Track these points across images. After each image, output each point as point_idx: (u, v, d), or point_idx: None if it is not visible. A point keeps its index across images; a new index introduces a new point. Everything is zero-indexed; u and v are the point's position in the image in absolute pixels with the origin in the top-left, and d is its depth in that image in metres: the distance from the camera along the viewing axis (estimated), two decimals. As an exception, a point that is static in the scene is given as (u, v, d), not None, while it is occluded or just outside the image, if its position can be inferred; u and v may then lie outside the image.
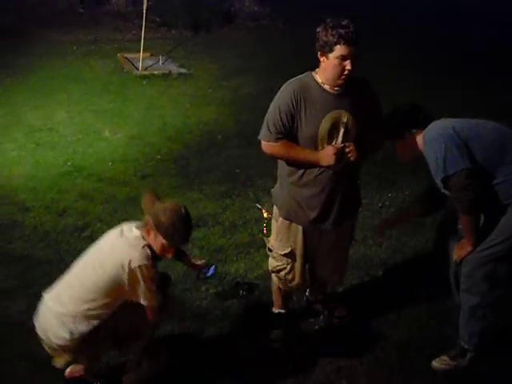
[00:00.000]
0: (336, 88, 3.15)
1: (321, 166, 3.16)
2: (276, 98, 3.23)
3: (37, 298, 4.07)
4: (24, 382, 3.48)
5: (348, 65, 3.04)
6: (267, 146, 3.24)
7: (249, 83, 8.97)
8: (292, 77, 3.30)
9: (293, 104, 3.14)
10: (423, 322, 3.88)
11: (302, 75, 3.26)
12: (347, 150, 3.14)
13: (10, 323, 3.94)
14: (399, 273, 4.39)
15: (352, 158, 3.15)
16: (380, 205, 5.35)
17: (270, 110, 3.24)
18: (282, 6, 13.30)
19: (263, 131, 3.25)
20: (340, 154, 3.12)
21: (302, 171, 3.26)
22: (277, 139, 3.16)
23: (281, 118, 3.15)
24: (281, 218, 3.43)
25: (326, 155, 3.12)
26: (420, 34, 11.33)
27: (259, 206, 4.27)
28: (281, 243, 3.48)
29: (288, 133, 3.16)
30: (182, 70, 9.59)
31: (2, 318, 3.98)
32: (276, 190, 3.48)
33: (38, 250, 4.74)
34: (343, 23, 3.03)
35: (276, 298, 3.78)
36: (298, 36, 10.43)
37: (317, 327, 3.84)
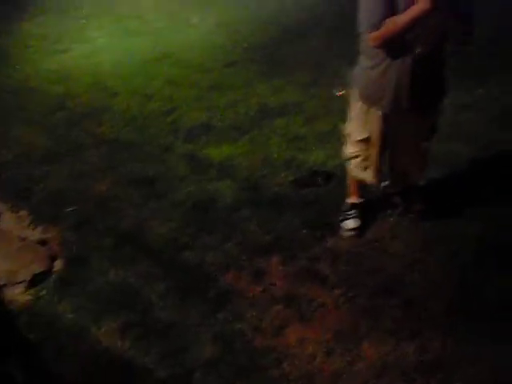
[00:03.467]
0: None
1: (425, 13, 2.86)
2: None
3: (122, 177, 4.31)
4: (109, 256, 3.68)
5: None
6: (374, 37, 3.00)
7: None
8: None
9: None
10: (501, 220, 3.72)
11: None
12: None
13: (93, 201, 4.13)
14: (483, 172, 4.17)
15: None
16: (470, 100, 5.05)
17: (364, 0, 3.02)
18: None
19: (365, 25, 3.02)
20: None
21: (383, 53, 3.09)
22: (381, 25, 2.96)
23: (379, 4, 2.94)
24: (360, 102, 3.31)
25: None
26: None
27: (336, 91, 4.11)
28: (358, 129, 3.38)
29: (388, 16, 2.94)
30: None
31: (87, 196, 4.18)
32: (356, 73, 3.33)
33: (125, 133, 4.89)
34: None
35: (352, 187, 3.74)
36: None
37: (392, 219, 3.78)
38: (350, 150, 3.50)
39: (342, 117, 3.63)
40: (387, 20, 2.94)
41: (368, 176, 3.52)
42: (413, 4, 2.90)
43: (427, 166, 3.71)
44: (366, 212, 3.77)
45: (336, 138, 4.41)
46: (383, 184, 3.79)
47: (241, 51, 6.20)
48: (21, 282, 3.49)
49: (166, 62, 6.03)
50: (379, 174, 3.53)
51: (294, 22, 6.88)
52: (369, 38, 3.06)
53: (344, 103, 3.61)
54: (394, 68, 3.11)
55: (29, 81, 5.82)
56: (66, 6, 7.66)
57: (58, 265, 3.63)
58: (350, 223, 3.71)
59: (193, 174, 4.32)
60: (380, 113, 3.27)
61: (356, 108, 3.36)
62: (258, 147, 4.55)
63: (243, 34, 6.60)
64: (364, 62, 3.24)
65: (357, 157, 3.47)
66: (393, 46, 3.05)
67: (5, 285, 3.47)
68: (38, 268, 3.57)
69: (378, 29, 2.97)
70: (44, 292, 3.45)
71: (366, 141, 3.37)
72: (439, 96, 3.39)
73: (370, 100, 3.27)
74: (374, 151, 3.40)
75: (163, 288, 3.42)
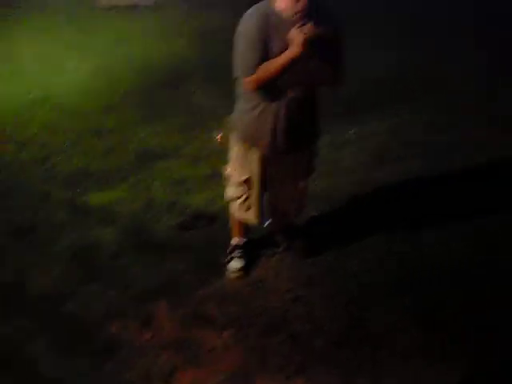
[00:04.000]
0: (295, 16, 3.07)
1: (296, 58, 3.02)
2: (241, 31, 3.13)
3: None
4: None
5: None
6: (249, 81, 3.14)
7: (218, 16, 8.69)
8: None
9: (260, 34, 3.05)
10: (382, 255, 3.91)
11: (260, 4, 3.16)
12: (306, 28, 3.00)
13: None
14: (361, 206, 4.38)
15: (312, 32, 2.99)
16: (344, 139, 5.31)
17: (239, 47, 3.14)
18: None
19: (240, 70, 3.15)
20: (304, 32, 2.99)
21: (259, 97, 3.21)
22: (256, 70, 3.09)
23: (254, 50, 3.08)
24: (239, 144, 3.41)
25: (293, 39, 3.00)
26: None
27: (215, 135, 4.19)
28: (238, 170, 3.47)
29: (262, 61, 3.08)
30: (149, 3, 9.31)
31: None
32: (234, 116, 3.44)
33: (-2, 182, 4.69)
34: None
35: (235, 228, 3.80)
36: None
37: (276, 258, 3.87)
38: (231, 191, 3.57)
39: (223, 159, 3.71)
40: (261, 65, 3.07)
41: (250, 216, 3.60)
42: (285, 50, 3.04)
43: (305, 203, 3.86)
44: (250, 252, 3.83)
45: (218, 180, 4.47)
46: (265, 223, 3.89)
47: (119, 96, 6.15)
48: None
49: (40, 107, 5.85)
50: (261, 213, 3.61)
51: (173, 67, 6.94)
52: (244, 83, 3.17)
53: (224, 146, 3.68)
54: (270, 111, 3.23)
55: None
56: None
57: None
58: (235, 264, 3.75)
59: (73, 222, 4.22)
60: (258, 154, 3.37)
61: (235, 150, 3.45)
62: (140, 191, 4.53)
63: (121, 78, 6.55)
64: (241, 105, 3.36)
65: (238, 198, 3.53)
66: (267, 90, 3.18)
67: None
68: None
69: (252, 73, 3.09)
70: None
71: (246, 182, 3.45)
72: (314, 136, 3.56)
73: (248, 142, 3.37)
74: (254, 192, 3.48)
75: (46, 342, 3.29)
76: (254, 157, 3.38)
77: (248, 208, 3.54)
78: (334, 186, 4.60)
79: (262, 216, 3.65)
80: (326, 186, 4.60)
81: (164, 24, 8.48)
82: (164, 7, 9.17)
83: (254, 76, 3.10)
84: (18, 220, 4.24)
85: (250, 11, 3.16)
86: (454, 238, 4.02)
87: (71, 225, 4.19)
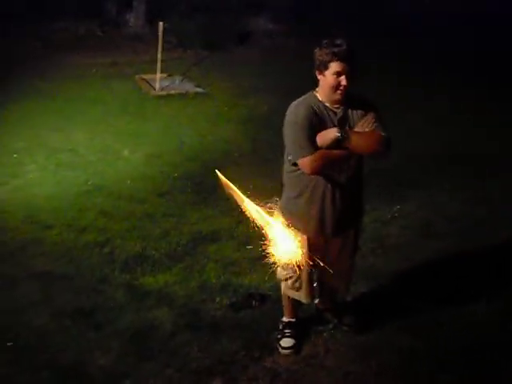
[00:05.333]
0: (336, 105, 3.33)
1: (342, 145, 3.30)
2: (291, 119, 3.38)
3: (59, 310, 4.34)
4: None
5: (343, 80, 3.23)
6: (306, 162, 3.33)
7: (265, 101, 9.15)
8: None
9: (310, 119, 3.32)
10: (429, 330, 3.99)
11: (306, 95, 3.45)
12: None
13: (31, 335, 4.12)
14: (407, 281, 4.52)
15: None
16: (389, 216, 5.49)
17: (291, 132, 3.37)
18: (296, 24, 13.59)
19: (297, 152, 3.36)
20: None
21: (304, 184, 3.43)
22: (311, 152, 3.31)
23: (307, 132, 3.31)
24: (288, 228, 3.58)
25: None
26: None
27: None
28: (288, 252, 3.63)
29: (313, 145, 3.31)
30: (199, 90, 9.81)
31: (24, 330, 4.16)
32: (282, 202, 3.65)
33: (59, 266, 4.92)
34: (337, 42, 3.24)
35: (286, 307, 3.94)
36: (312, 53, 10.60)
37: (326, 334, 3.97)
38: (282, 272, 3.74)
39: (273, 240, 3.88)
40: (320, 151, 3.30)
41: (301, 295, 3.74)
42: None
43: (352, 280, 3.99)
44: (301, 329, 3.95)
45: (268, 260, 4.66)
46: (315, 301, 4.01)
47: (171, 181, 6.47)
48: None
49: (98, 194, 6.19)
50: (311, 292, 3.76)
51: (222, 152, 7.29)
52: (301, 164, 3.36)
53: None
54: (316, 198, 3.46)
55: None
56: (-1, 140, 7.82)
57: (-5, 404, 3.57)
58: (287, 342, 3.86)
59: (131, 304, 4.39)
60: (306, 236, 3.55)
61: (285, 233, 3.62)
62: (194, 273, 4.71)
63: (173, 164, 6.92)
64: (288, 192, 3.58)
65: (289, 278, 3.70)
66: (313, 178, 3.40)
67: None
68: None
69: (308, 155, 3.30)
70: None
71: (296, 263, 3.61)
72: (359, 216, 3.74)
73: (296, 226, 3.55)
74: (304, 272, 3.64)
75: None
76: (302, 239, 3.55)
77: (299, 287, 3.70)
78: (381, 263, 4.74)
79: (312, 294, 3.79)
80: (374, 262, 4.74)
81: (213, 110, 8.94)
82: (213, 94, 9.66)
83: (313, 157, 3.30)
84: (78, 302, 4.44)
85: (296, 102, 3.44)
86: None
87: (129, 306, 4.36)
